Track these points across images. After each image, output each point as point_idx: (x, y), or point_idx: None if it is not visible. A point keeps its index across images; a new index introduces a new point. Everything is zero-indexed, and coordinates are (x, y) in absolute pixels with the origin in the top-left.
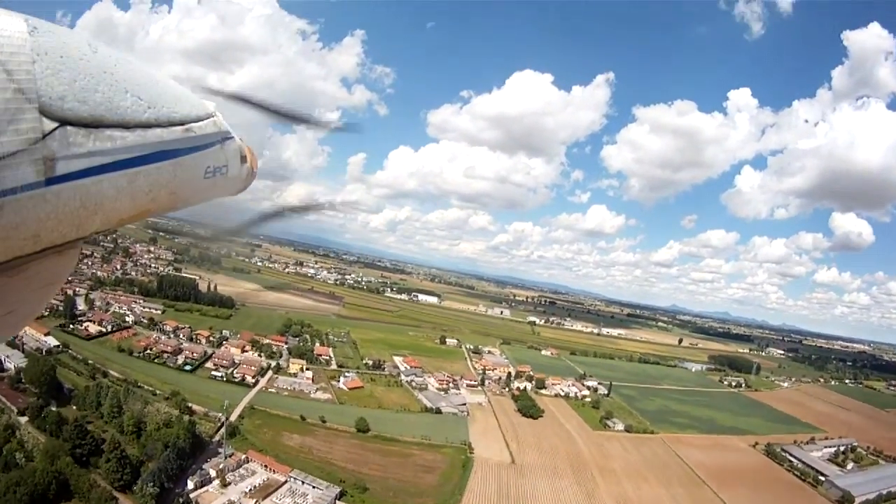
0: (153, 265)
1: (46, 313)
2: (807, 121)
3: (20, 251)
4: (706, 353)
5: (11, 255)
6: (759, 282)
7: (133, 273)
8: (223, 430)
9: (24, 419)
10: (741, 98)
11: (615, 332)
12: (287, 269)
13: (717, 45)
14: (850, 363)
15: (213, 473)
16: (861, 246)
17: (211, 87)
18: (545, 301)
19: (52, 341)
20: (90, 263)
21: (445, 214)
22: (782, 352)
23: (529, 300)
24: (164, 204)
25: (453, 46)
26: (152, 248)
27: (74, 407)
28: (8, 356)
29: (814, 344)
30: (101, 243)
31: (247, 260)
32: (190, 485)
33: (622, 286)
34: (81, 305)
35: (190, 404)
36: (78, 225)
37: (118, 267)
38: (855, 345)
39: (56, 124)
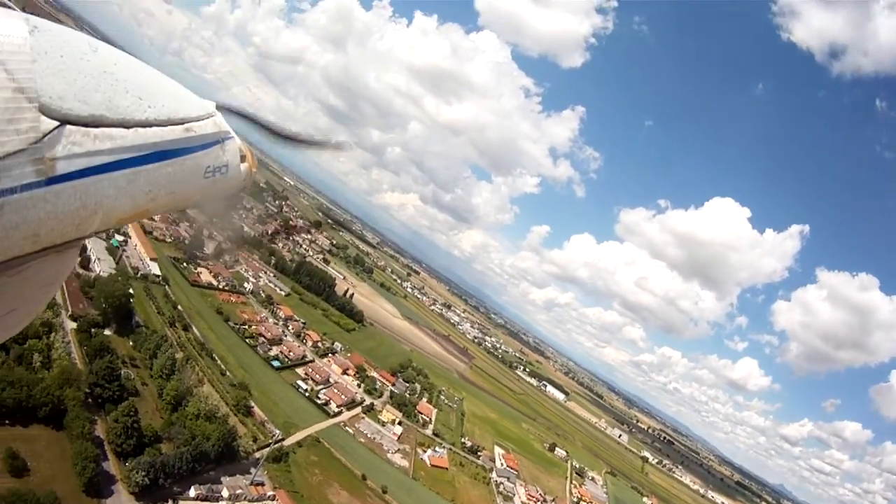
0: (304, 247)
1: (168, 239)
2: None
3: (20, 251)
4: None
5: (11, 255)
6: (874, 490)
7: (280, 245)
8: (268, 450)
9: (72, 325)
10: None
11: (720, 499)
12: (433, 307)
13: None
14: None
15: (225, 494)
16: None
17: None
18: (664, 438)
19: (154, 268)
20: (242, 214)
21: (603, 315)
22: None
23: (650, 430)
24: (164, 203)
25: (666, 152)
26: (313, 231)
27: (131, 343)
28: (100, 259)
29: None
30: (267, 202)
31: (399, 281)
32: (192, 492)
33: (740, 447)
34: (208, 249)
35: (251, 404)
36: (77, 225)
37: (268, 232)
38: None
39: (56, 124)
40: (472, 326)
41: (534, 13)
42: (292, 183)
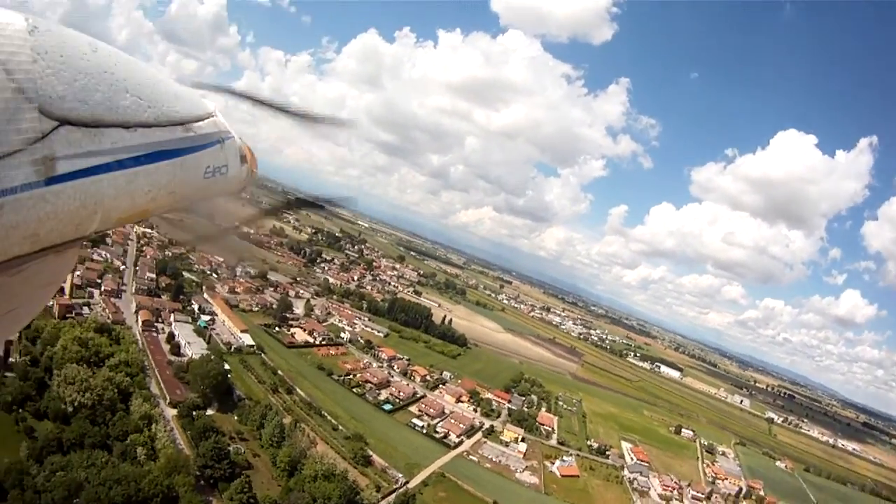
0: (393, 283)
1: (255, 308)
2: None
3: (20, 251)
4: None
5: (11, 255)
6: None
7: (369, 287)
8: (393, 497)
9: (172, 412)
10: None
11: (850, 445)
12: (532, 313)
13: None
14: None
15: None
16: None
17: (200, 82)
18: (784, 393)
19: (246, 339)
20: (326, 268)
21: (699, 280)
22: None
23: (769, 388)
24: (164, 204)
25: (719, 99)
26: (398, 266)
27: (236, 418)
28: (190, 343)
29: None
30: (346, 250)
31: (493, 295)
32: None
33: (860, 385)
34: (298, 309)
35: (369, 453)
36: (77, 225)
37: (355, 278)
38: None
39: (56, 124)
40: (574, 323)
41: None
42: (367, 225)
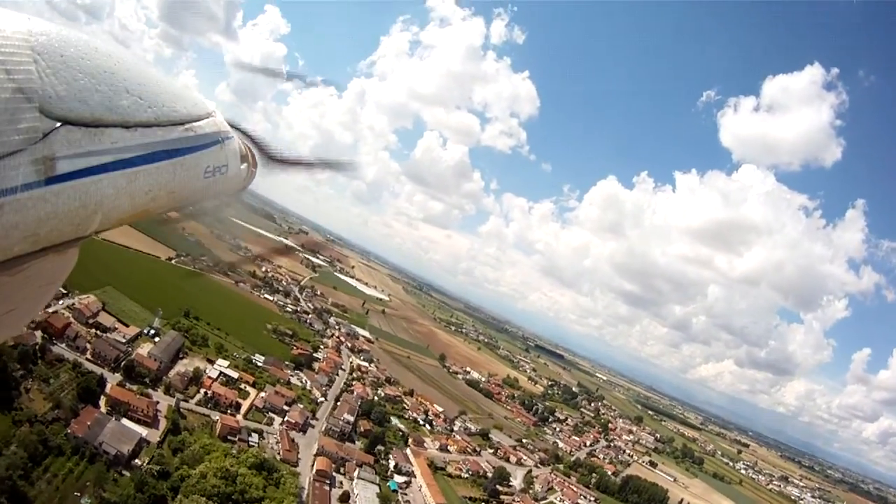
0: (628, 451)
1: (465, 475)
2: None
3: (20, 250)
4: None
5: (11, 255)
6: None
7: (601, 456)
8: None
9: None
10: None
11: None
12: (770, 485)
13: None
14: None
15: None
16: None
17: (240, 61)
18: None
19: None
20: (557, 429)
21: None
22: None
23: None
24: (164, 203)
25: None
26: (634, 429)
27: None
28: None
29: None
30: (582, 408)
31: (730, 464)
32: None
33: None
34: (516, 480)
35: None
36: (78, 224)
37: (587, 443)
38: None
39: (56, 124)
40: (813, 496)
41: (775, 124)
42: (604, 378)
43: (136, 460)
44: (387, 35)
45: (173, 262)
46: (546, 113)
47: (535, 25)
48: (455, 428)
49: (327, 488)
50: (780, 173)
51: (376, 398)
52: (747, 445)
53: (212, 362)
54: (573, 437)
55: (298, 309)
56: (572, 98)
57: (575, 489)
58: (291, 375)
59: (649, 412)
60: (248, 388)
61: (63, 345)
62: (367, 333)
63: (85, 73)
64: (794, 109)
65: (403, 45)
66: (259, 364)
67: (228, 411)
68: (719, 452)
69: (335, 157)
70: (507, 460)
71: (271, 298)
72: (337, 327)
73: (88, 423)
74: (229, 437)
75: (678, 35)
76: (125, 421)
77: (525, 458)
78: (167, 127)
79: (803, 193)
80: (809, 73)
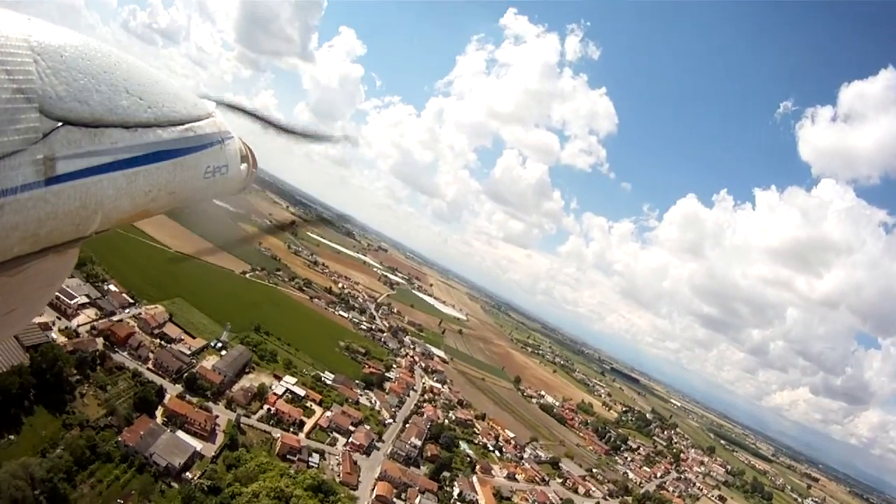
0: (698, 483)
1: None
2: None
3: (20, 251)
4: None
5: (11, 255)
6: None
7: (670, 488)
8: None
9: None
10: None
11: None
12: None
13: None
14: None
15: None
16: None
17: (207, 94)
18: None
19: None
20: (629, 458)
21: None
22: None
23: None
24: (164, 204)
25: None
26: (706, 460)
27: None
28: None
29: None
30: (655, 436)
31: (800, 500)
32: None
33: None
34: None
35: None
36: (78, 225)
37: (657, 475)
38: None
39: (56, 124)
40: None
41: (853, 134)
42: (678, 404)
43: (188, 473)
44: (462, 54)
45: (247, 275)
46: (624, 129)
47: (609, 40)
48: (525, 455)
49: None
50: (859, 188)
51: (447, 421)
52: (817, 480)
53: (279, 378)
54: (644, 467)
55: (373, 326)
56: (650, 113)
57: None
58: (361, 395)
59: (722, 441)
60: (315, 407)
61: (125, 353)
62: (442, 353)
63: (85, 73)
64: (871, 118)
65: (480, 64)
66: (328, 382)
67: (291, 429)
68: (789, 487)
69: (330, 132)
70: (576, 491)
71: (346, 315)
72: (412, 346)
73: (141, 432)
74: (288, 457)
75: (752, 44)
76: (180, 433)
77: (594, 489)
78: (167, 127)
79: (882, 208)
80: (884, 78)
